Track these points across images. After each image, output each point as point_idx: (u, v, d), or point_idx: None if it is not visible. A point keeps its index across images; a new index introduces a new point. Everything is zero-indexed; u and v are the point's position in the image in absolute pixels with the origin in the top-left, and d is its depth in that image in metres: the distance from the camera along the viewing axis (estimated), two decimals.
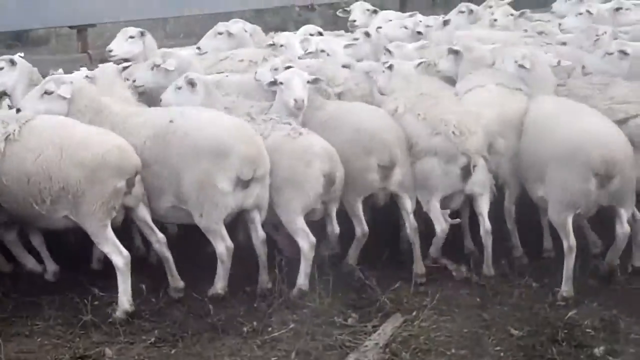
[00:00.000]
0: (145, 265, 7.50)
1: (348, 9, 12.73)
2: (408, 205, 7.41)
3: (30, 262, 7.31)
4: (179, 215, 6.98)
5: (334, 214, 7.29)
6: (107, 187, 6.54)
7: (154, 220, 6.98)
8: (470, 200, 7.50)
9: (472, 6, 12.21)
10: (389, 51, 9.13)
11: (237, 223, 7.39)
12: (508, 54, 8.19)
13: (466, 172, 7.26)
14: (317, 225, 7.29)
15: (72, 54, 12.79)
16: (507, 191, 7.68)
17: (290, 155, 7.03)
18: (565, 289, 6.90)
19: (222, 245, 6.87)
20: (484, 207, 7.38)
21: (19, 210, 6.74)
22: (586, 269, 7.26)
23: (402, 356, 6.06)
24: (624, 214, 6.97)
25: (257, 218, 7.03)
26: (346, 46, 9.71)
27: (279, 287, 6.93)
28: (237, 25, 11.03)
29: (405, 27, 10.88)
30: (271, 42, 10.17)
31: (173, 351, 6.21)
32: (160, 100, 7.72)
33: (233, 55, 9.58)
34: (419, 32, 10.59)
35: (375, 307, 6.78)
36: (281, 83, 7.56)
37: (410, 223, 7.39)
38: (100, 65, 8.74)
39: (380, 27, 10.88)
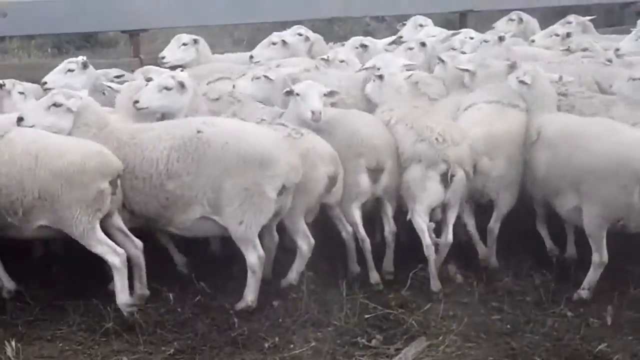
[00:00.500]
0: (173, 274, 7.50)
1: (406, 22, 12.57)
2: (389, 210, 7.60)
3: None
4: (205, 227, 6.95)
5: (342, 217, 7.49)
6: (89, 191, 6.54)
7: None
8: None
9: (524, 15, 12.04)
10: (442, 60, 8.99)
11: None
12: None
13: (445, 180, 7.34)
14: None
15: (124, 58, 12.90)
16: (495, 210, 7.70)
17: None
18: (586, 293, 7.05)
19: (255, 255, 6.84)
20: (451, 218, 7.48)
21: None
22: (624, 300, 7.02)
23: None
24: None
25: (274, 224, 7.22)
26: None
27: (306, 303, 6.85)
28: (291, 35, 11.03)
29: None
30: (326, 57, 10.00)
31: None
32: (137, 102, 7.57)
33: (284, 63, 9.54)
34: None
35: (402, 329, 6.64)
36: (297, 94, 7.60)
37: (390, 227, 7.57)
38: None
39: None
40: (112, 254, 6.63)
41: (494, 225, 7.70)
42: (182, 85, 7.58)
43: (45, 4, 12.19)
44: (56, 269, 7.61)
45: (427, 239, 7.29)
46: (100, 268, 7.04)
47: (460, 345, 6.41)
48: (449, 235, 7.43)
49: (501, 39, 10.76)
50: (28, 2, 12.35)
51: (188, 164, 6.79)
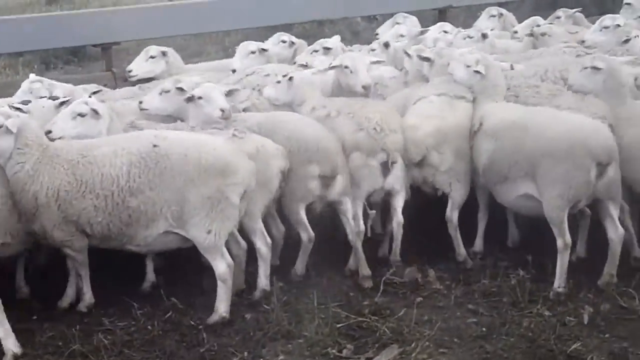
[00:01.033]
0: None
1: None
2: (349, 210, 7.55)
3: None
4: (168, 241, 6.85)
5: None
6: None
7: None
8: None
9: (502, 10, 11.97)
10: (408, 54, 8.85)
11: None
12: (457, 59, 8.13)
13: (385, 168, 7.55)
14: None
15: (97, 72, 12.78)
16: (450, 201, 7.70)
17: (251, 157, 7.02)
18: (561, 284, 6.99)
19: (224, 264, 6.76)
20: (399, 203, 7.68)
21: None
22: (601, 297, 6.89)
23: None
24: (615, 213, 7.07)
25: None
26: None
27: (277, 314, 6.72)
28: (274, 43, 10.89)
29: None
30: (304, 63, 9.82)
31: None
32: (50, 132, 7.24)
33: (260, 70, 9.39)
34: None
35: (375, 337, 6.50)
36: (200, 97, 7.59)
37: (351, 228, 7.53)
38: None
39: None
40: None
41: (451, 214, 7.71)
42: (95, 112, 7.35)
43: (12, 21, 12.14)
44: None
45: (355, 226, 7.52)
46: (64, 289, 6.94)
47: (433, 351, 6.28)
48: (399, 217, 7.63)
49: (484, 36, 10.62)
50: None
51: (150, 179, 6.68)
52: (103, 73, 12.04)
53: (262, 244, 7.17)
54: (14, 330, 6.39)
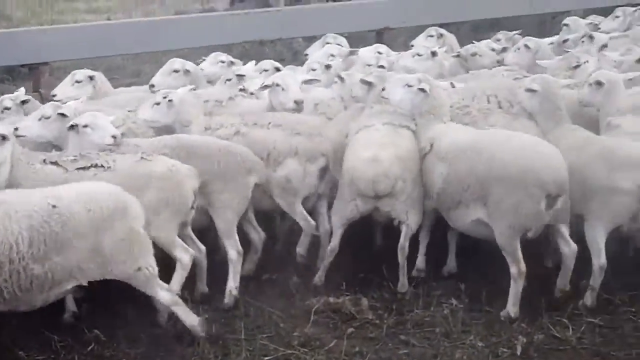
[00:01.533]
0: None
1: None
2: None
3: None
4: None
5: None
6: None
7: None
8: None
9: (442, 30, 11.94)
10: (342, 79, 8.79)
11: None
12: (395, 80, 8.00)
13: (323, 172, 7.76)
14: None
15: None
16: (404, 229, 7.40)
17: (161, 177, 6.95)
18: (513, 309, 6.90)
19: (164, 292, 6.60)
20: (325, 206, 7.93)
21: None
22: (533, 327, 6.77)
23: None
24: (566, 231, 7.03)
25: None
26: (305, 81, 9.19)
27: (202, 347, 6.49)
28: (211, 63, 10.68)
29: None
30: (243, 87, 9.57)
31: None
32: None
33: (201, 94, 9.07)
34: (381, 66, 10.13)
35: None
36: (86, 126, 7.36)
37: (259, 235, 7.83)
38: None
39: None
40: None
41: (404, 242, 7.40)
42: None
43: None
44: None
45: (311, 221, 7.80)
46: None
47: None
48: (327, 224, 7.86)
49: (434, 54, 10.55)
50: None
51: (56, 244, 6.20)
52: (31, 94, 11.67)
53: (184, 255, 7.04)
54: None
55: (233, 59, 11.02)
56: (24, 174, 6.87)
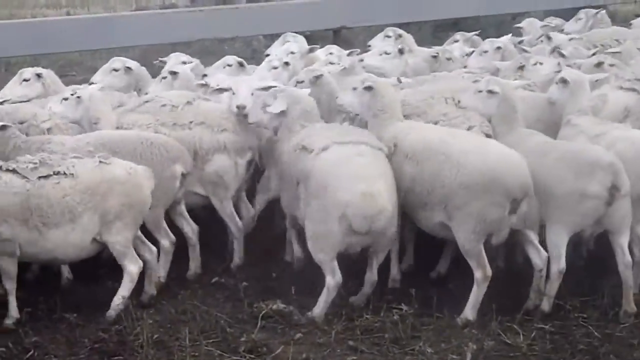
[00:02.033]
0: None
1: None
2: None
3: None
4: None
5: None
6: None
7: None
8: None
9: (399, 31, 11.89)
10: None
11: None
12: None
13: (250, 165, 7.97)
14: None
15: None
16: (374, 262, 7.13)
17: (122, 182, 6.88)
18: (472, 313, 6.83)
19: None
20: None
21: None
22: (483, 333, 6.67)
23: None
24: (535, 238, 6.97)
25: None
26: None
27: (146, 353, 6.34)
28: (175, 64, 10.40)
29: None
30: (203, 82, 9.34)
31: None
32: None
33: (157, 98, 8.79)
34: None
35: None
36: None
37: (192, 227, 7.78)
38: None
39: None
40: None
41: (375, 276, 7.16)
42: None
43: None
44: None
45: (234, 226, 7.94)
46: None
47: None
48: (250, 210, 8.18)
49: (401, 51, 10.55)
50: None
51: None
52: None
53: (132, 265, 6.98)
54: None
55: (191, 58, 10.80)
56: None
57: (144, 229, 7.25)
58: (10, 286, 6.79)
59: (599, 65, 9.28)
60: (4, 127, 7.26)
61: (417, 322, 6.84)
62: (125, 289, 6.93)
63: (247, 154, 7.91)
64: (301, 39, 11.53)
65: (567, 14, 14.54)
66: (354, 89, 7.67)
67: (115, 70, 9.69)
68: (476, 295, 6.85)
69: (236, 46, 17.07)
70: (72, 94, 8.03)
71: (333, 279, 6.89)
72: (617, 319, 6.92)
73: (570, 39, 11.46)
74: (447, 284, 7.23)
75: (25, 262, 6.98)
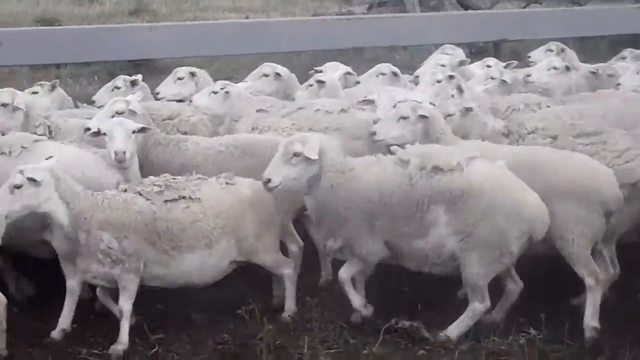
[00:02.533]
0: None
1: None
2: None
3: None
4: None
5: None
6: None
7: None
8: None
9: (562, 45, 11.52)
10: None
11: None
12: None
13: None
14: None
15: None
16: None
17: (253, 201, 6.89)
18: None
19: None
20: None
21: None
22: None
23: None
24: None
25: None
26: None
27: None
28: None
29: None
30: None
31: None
32: None
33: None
34: None
35: None
36: (105, 134, 7.18)
37: None
38: None
39: None
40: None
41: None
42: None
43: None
44: None
45: None
46: None
47: None
48: None
49: (568, 68, 10.20)
50: None
51: None
52: None
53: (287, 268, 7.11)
54: None
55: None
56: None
57: None
58: (127, 307, 6.60)
59: None
60: (144, 129, 7.37)
61: (547, 347, 6.54)
62: (289, 292, 7.02)
63: None
64: (459, 52, 11.34)
65: None
66: (403, 118, 7.36)
67: (266, 75, 9.86)
68: (593, 302, 6.72)
69: (402, 54, 17.05)
70: (221, 88, 8.29)
71: (482, 303, 6.73)
72: None
73: None
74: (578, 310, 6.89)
75: None
